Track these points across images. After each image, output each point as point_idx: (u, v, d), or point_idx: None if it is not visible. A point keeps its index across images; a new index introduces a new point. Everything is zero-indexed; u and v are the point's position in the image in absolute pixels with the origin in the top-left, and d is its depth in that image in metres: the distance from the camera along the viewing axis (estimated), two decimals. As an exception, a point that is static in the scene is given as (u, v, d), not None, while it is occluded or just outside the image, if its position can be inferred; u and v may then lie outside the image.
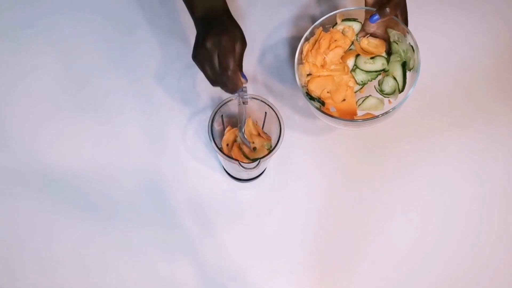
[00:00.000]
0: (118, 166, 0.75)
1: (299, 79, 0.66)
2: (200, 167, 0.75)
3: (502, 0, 0.82)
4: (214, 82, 0.61)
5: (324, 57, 0.66)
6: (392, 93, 0.67)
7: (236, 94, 0.63)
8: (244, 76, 0.60)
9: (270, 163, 0.74)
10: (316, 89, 0.67)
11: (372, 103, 0.68)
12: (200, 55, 0.60)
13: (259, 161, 0.62)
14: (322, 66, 0.67)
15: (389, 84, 0.67)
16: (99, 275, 0.71)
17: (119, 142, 0.75)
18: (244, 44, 0.60)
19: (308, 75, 0.68)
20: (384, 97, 0.68)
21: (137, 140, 0.76)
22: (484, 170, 0.75)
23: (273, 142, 0.68)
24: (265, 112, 0.67)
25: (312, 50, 0.66)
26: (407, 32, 0.64)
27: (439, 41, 0.80)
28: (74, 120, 0.76)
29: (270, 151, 0.63)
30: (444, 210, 0.74)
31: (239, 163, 0.61)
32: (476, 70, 0.79)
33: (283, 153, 0.74)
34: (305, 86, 0.68)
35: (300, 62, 0.67)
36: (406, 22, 0.65)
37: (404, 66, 0.66)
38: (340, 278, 0.72)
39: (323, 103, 0.68)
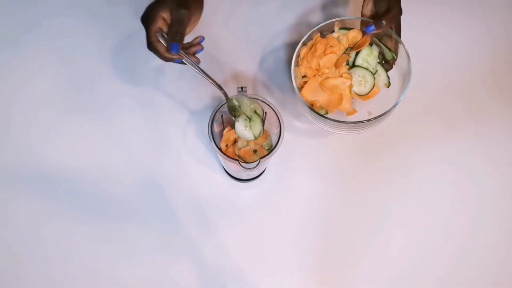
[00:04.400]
0: (119, 167, 0.75)
1: (295, 80, 0.68)
2: (200, 167, 0.75)
3: (501, 2, 0.82)
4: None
5: (319, 61, 0.67)
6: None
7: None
8: (173, 49, 0.60)
9: (270, 163, 0.75)
10: (308, 96, 0.68)
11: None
12: None
13: (259, 161, 0.62)
14: (317, 69, 0.68)
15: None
16: (99, 275, 0.71)
17: (120, 143, 0.76)
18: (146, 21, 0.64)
19: (303, 77, 0.69)
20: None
21: (137, 142, 0.76)
22: (481, 173, 0.75)
23: (273, 142, 0.68)
24: (265, 112, 0.67)
25: (308, 54, 0.68)
26: (400, 44, 0.66)
27: (436, 43, 0.81)
28: (77, 123, 0.77)
29: (270, 151, 0.63)
30: (443, 212, 0.74)
31: (239, 163, 0.61)
32: (472, 72, 0.79)
33: (283, 154, 0.74)
34: (300, 88, 0.68)
35: (297, 64, 0.68)
36: (399, 36, 0.67)
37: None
38: (339, 278, 0.72)
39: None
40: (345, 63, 0.68)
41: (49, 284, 0.71)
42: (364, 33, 0.67)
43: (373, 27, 0.64)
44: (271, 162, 0.74)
